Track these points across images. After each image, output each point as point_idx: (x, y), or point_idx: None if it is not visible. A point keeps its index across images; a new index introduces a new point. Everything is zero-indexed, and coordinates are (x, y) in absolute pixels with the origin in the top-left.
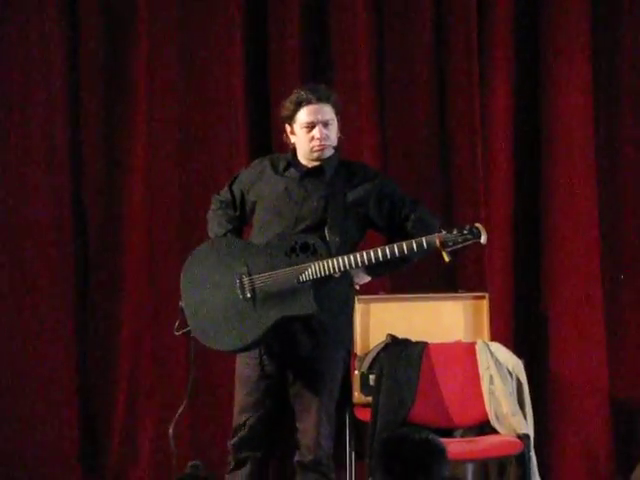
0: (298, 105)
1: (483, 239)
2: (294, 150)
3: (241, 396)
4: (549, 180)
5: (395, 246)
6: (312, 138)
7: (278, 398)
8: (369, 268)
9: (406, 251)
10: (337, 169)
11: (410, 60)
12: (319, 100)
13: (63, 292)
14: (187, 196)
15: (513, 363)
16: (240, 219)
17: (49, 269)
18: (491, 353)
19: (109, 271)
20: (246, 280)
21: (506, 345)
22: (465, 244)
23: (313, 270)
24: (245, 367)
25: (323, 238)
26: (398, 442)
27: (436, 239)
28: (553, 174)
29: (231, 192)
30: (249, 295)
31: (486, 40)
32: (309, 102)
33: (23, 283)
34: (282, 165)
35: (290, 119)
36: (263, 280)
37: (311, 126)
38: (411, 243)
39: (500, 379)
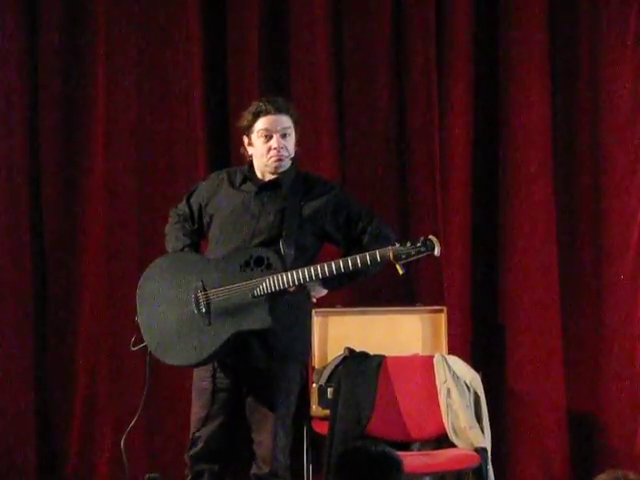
0: (256, 115)
1: (437, 251)
2: (251, 163)
3: (197, 408)
4: (507, 192)
5: (349, 259)
6: (269, 148)
7: (234, 410)
8: (325, 281)
9: (360, 264)
10: (294, 182)
11: (369, 71)
12: (277, 110)
13: (21, 304)
14: (145, 206)
15: (471, 376)
16: (198, 233)
17: (5, 281)
18: (449, 366)
19: (66, 282)
20: (201, 295)
21: (464, 358)
22: (419, 256)
23: (267, 284)
24: (201, 380)
25: (278, 251)
26: (354, 455)
27: (389, 252)
28: (511, 185)
29: (189, 205)
30: (204, 310)
31: (445, 38)
32: (267, 112)
33: None
34: (239, 179)
35: (248, 129)
36: (218, 294)
37: (269, 136)
38: (365, 256)
39: (457, 392)
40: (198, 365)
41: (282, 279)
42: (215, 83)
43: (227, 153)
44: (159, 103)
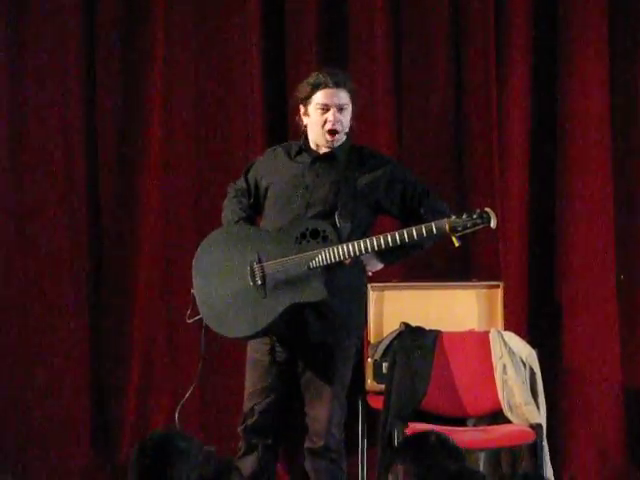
0: (315, 87)
1: (493, 223)
2: (305, 134)
3: (251, 382)
4: (565, 169)
5: (405, 231)
6: (325, 121)
7: (288, 384)
8: (380, 254)
9: (416, 236)
10: (348, 154)
11: (428, 51)
12: (336, 84)
13: (78, 274)
14: (203, 183)
15: (526, 353)
16: (254, 207)
17: (64, 255)
18: (504, 342)
19: (123, 252)
20: (256, 267)
21: (520, 334)
22: (475, 229)
23: (323, 256)
24: (256, 353)
25: (334, 224)
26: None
27: (445, 224)
28: (569, 163)
29: (246, 180)
30: (259, 282)
31: (504, 31)
32: (326, 85)
33: (37, 281)
34: (294, 151)
35: (306, 100)
36: (273, 267)
37: (326, 109)
38: (421, 228)
39: (513, 368)
40: (253, 337)
41: (338, 251)
42: (272, 58)
43: (285, 128)
44: (217, 80)
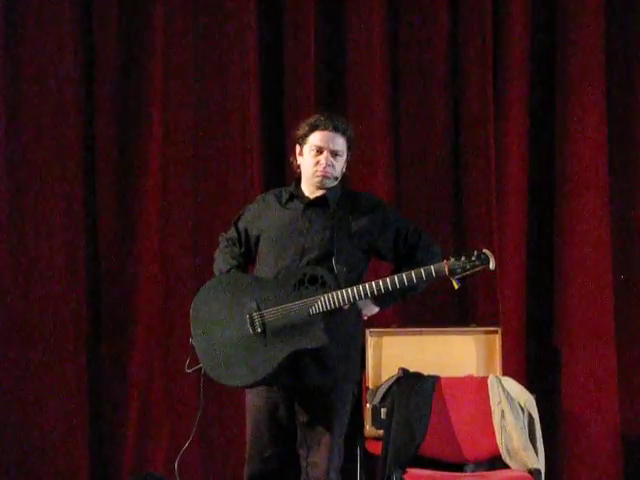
0: (313, 128)
1: (492, 265)
2: (298, 179)
3: (252, 428)
4: (562, 212)
5: (404, 275)
6: (317, 162)
7: (288, 430)
8: (376, 298)
9: (415, 280)
10: (340, 199)
11: (425, 91)
12: (335, 129)
13: (76, 320)
14: (201, 230)
15: (525, 398)
16: (246, 256)
17: (62, 294)
18: (503, 388)
19: (121, 300)
20: (256, 315)
21: (518, 380)
22: (474, 270)
23: (323, 302)
24: (255, 399)
25: (331, 269)
26: None
27: (445, 267)
28: (567, 206)
29: (236, 229)
30: (259, 330)
31: (501, 71)
32: (325, 128)
33: (38, 310)
34: (285, 197)
35: (302, 139)
36: (273, 314)
37: (320, 151)
38: (420, 272)
39: (512, 414)
40: (254, 385)
41: (338, 297)
42: (271, 100)
43: (282, 169)
44: (215, 113)
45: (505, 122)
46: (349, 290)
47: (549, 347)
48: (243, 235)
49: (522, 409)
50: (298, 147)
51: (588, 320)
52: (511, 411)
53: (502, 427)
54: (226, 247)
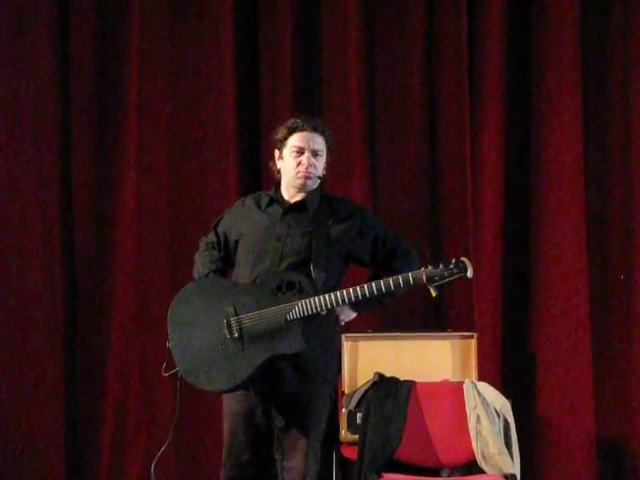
0: (292, 130)
1: (470, 273)
2: (278, 183)
3: (229, 433)
4: (539, 221)
5: (382, 282)
6: (299, 163)
7: (264, 435)
8: (354, 304)
9: (392, 287)
10: (320, 204)
11: (401, 96)
12: (313, 129)
13: (52, 327)
14: (177, 228)
15: (500, 403)
16: (225, 260)
17: (39, 303)
18: (478, 393)
19: (97, 304)
20: (233, 320)
21: (494, 385)
22: (452, 278)
23: (300, 308)
24: (232, 403)
25: (308, 275)
26: None
27: (422, 275)
28: (543, 216)
29: (216, 233)
30: (236, 335)
31: (477, 76)
32: (303, 129)
33: (13, 319)
34: (265, 201)
35: (281, 143)
36: (250, 319)
37: (300, 151)
38: (397, 279)
39: (487, 419)
40: (232, 390)
41: (315, 303)
42: (247, 106)
43: (259, 176)
44: (190, 130)
45: (481, 126)
46: (326, 296)
47: (525, 352)
48: (222, 239)
49: (498, 414)
50: (277, 151)
51: (564, 325)
52: (487, 416)
53: (478, 432)
54: (205, 250)
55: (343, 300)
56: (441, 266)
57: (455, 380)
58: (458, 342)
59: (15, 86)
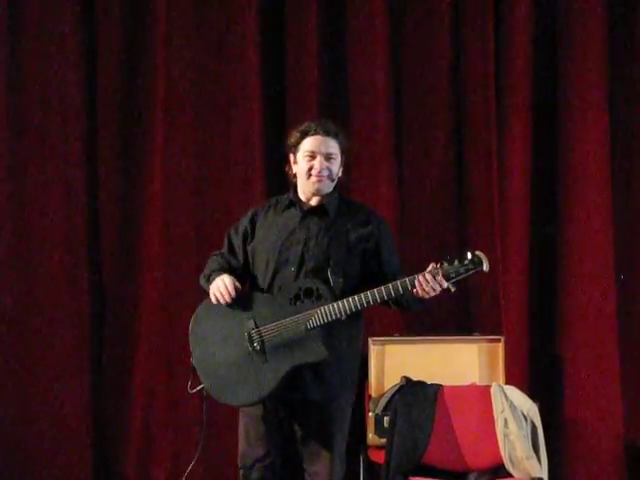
0: (304, 135)
1: (485, 267)
2: (295, 186)
3: (248, 441)
4: (565, 224)
5: (398, 283)
6: (311, 167)
7: (287, 442)
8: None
9: (409, 286)
10: (338, 207)
11: (427, 103)
12: (325, 133)
13: (78, 341)
14: (202, 240)
15: (528, 407)
16: (238, 266)
17: (65, 313)
18: (506, 396)
19: (124, 318)
20: (254, 333)
21: (521, 388)
22: (468, 274)
23: (320, 316)
24: (251, 411)
25: (326, 280)
26: None
27: (439, 271)
28: (570, 215)
29: (230, 242)
30: (258, 347)
31: (504, 81)
32: (315, 133)
33: (41, 332)
34: (282, 205)
35: (295, 147)
36: (271, 331)
37: (313, 156)
38: (414, 278)
39: (515, 422)
40: (257, 403)
41: (334, 309)
42: (273, 115)
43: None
44: (217, 133)
45: (507, 132)
46: (345, 302)
47: (552, 355)
48: (241, 248)
49: (525, 417)
50: (292, 156)
51: (591, 328)
52: (514, 420)
53: (505, 436)
54: (214, 255)
55: (362, 304)
56: (456, 262)
57: (482, 384)
58: (485, 346)
59: (42, 90)
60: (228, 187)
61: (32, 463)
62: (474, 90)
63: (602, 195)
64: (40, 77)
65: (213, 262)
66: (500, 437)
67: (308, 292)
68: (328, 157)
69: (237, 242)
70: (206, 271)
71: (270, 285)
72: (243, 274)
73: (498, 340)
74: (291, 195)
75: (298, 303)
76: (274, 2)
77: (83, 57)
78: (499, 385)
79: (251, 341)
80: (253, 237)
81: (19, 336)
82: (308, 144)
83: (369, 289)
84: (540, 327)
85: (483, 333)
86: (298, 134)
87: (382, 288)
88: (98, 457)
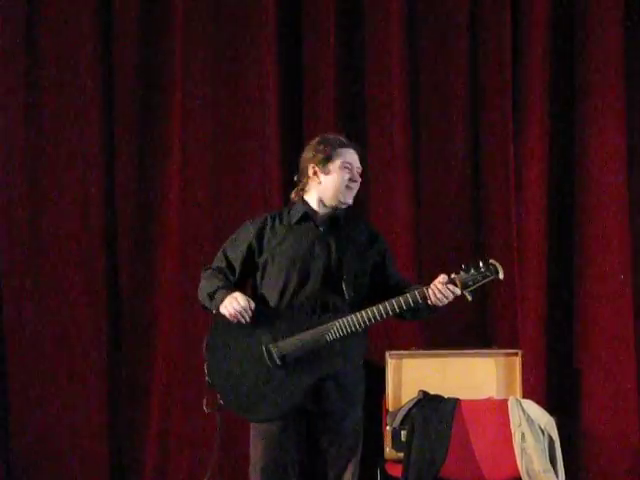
0: (341, 146)
1: (501, 275)
2: (302, 199)
3: (265, 454)
4: (582, 238)
5: (416, 293)
6: (350, 179)
7: (302, 453)
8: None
9: (427, 297)
10: (347, 221)
11: (445, 113)
12: (356, 150)
13: (96, 356)
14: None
15: (545, 420)
16: (234, 281)
17: (82, 324)
18: (523, 410)
19: (141, 333)
20: (272, 347)
21: (538, 402)
22: (485, 281)
23: (338, 328)
24: (267, 425)
25: (341, 293)
26: None
27: (457, 280)
28: (587, 232)
29: (225, 258)
30: (279, 362)
31: (521, 95)
32: (349, 147)
33: (58, 348)
34: (293, 217)
35: (327, 159)
36: (290, 345)
37: (350, 168)
38: (428, 287)
39: (532, 436)
40: (280, 418)
41: (352, 321)
42: (290, 124)
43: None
44: (233, 142)
45: (524, 136)
46: (363, 313)
47: (569, 369)
48: (236, 263)
49: (542, 431)
50: (318, 167)
51: (608, 341)
52: (531, 433)
53: (522, 449)
54: (208, 271)
55: (380, 315)
56: (472, 270)
57: (499, 397)
58: (502, 359)
59: (59, 94)
60: (244, 199)
61: (49, 476)
62: (492, 102)
63: (620, 207)
64: (57, 83)
65: (212, 278)
66: (517, 451)
67: (324, 306)
68: (359, 172)
69: (236, 257)
70: (207, 288)
71: (287, 299)
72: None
73: (515, 354)
74: (305, 208)
75: (314, 317)
76: (292, 16)
77: (100, 62)
78: (516, 399)
79: (270, 357)
80: (261, 252)
81: (38, 347)
82: (347, 156)
83: (373, 303)
84: (558, 341)
85: (500, 347)
86: (330, 146)
87: (400, 298)
88: (115, 472)
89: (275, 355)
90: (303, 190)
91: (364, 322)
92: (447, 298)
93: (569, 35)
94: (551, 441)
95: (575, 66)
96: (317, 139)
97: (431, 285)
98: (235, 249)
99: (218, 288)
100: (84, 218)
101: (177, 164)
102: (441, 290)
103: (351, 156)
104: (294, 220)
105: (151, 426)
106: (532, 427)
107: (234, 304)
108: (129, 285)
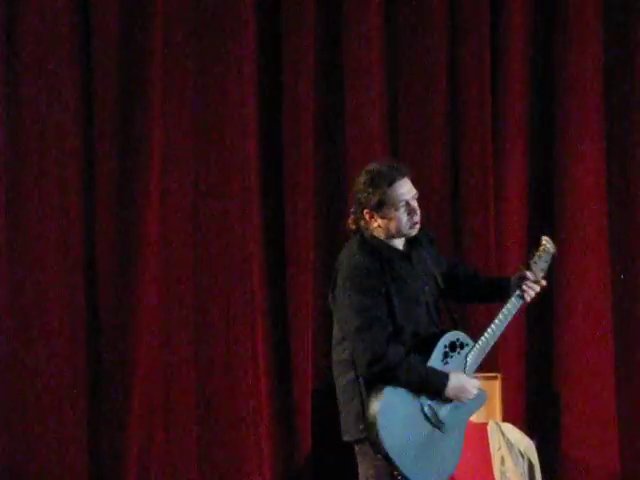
0: (391, 182)
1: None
2: (372, 235)
3: None
4: (560, 253)
5: (517, 291)
6: (409, 214)
7: None
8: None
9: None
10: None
11: (424, 121)
12: (404, 175)
13: (74, 369)
14: (199, 260)
15: (525, 444)
16: None
17: (61, 340)
18: (503, 434)
19: (120, 344)
20: (428, 409)
21: (518, 426)
22: (551, 255)
23: (474, 361)
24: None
25: (453, 320)
26: None
27: (533, 269)
28: (565, 246)
29: (376, 304)
30: (442, 422)
31: (500, 90)
32: (401, 177)
33: (35, 358)
34: (396, 253)
35: (381, 201)
36: (446, 405)
37: (407, 200)
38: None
39: (511, 460)
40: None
41: (481, 349)
42: (270, 117)
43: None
44: (214, 160)
45: (504, 148)
46: (487, 336)
47: (549, 393)
48: (385, 307)
49: (522, 455)
50: (369, 213)
51: (587, 364)
52: (511, 457)
53: (502, 473)
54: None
55: (500, 329)
56: (536, 254)
57: (479, 421)
58: (482, 383)
59: (38, 90)
60: (227, 198)
61: None
62: (471, 107)
63: (599, 223)
64: (37, 78)
65: (412, 360)
66: (497, 475)
67: (452, 345)
68: (416, 198)
69: (382, 304)
70: (419, 368)
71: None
72: None
73: (495, 377)
74: (386, 246)
75: (450, 361)
76: (272, 21)
77: (79, 62)
78: (496, 422)
79: (427, 418)
80: (390, 289)
81: (15, 364)
82: (403, 192)
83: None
84: (537, 364)
85: (480, 370)
86: (382, 186)
87: (508, 305)
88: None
89: (430, 416)
90: (359, 230)
91: (489, 345)
92: (535, 290)
93: (549, 31)
94: (530, 465)
95: (555, 66)
96: (364, 178)
97: (523, 287)
98: (378, 298)
99: (430, 370)
100: (62, 204)
101: (157, 166)
102: (534, 288)
103: (403, 187)
104: (395, 257)
105: (132, 447)
106: (512, 451)
107: (468, 388)
108: (108, 290)
